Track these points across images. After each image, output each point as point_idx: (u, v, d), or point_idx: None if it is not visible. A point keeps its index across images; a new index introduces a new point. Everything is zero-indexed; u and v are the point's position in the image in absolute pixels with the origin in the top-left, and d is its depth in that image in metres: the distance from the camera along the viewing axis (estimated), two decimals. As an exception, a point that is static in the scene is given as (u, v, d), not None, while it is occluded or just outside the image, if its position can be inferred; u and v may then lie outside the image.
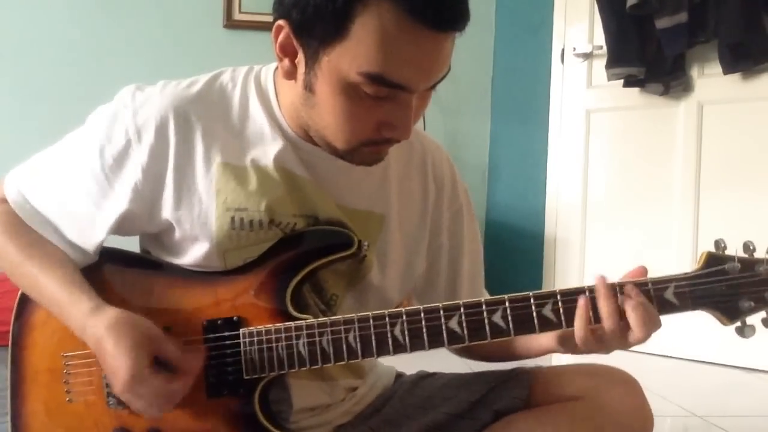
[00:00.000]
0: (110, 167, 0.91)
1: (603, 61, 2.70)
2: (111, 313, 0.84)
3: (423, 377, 1.13)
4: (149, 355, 0.82)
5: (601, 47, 2.77)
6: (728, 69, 2.44)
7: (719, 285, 0.86)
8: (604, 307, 0.85)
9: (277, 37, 0.85)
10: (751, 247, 0.86)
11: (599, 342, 0.87)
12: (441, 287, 1.08)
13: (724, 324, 0.87)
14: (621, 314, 0.85)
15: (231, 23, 3.10)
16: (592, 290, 0.86)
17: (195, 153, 0.91)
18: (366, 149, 0.88)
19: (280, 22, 0.84)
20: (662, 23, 2.48)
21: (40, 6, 3.01)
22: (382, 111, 0.83)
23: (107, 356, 0.82)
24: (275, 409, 0.93)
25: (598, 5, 2.67)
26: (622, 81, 2.66)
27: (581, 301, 0.86)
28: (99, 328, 0.83)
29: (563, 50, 2.95)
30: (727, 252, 0.87)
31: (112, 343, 0.81)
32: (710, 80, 2.59)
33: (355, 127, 0.85)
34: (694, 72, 2.62)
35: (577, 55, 2.90)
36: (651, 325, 0.84)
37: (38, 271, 0.90)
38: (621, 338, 0.86)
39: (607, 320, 0.85)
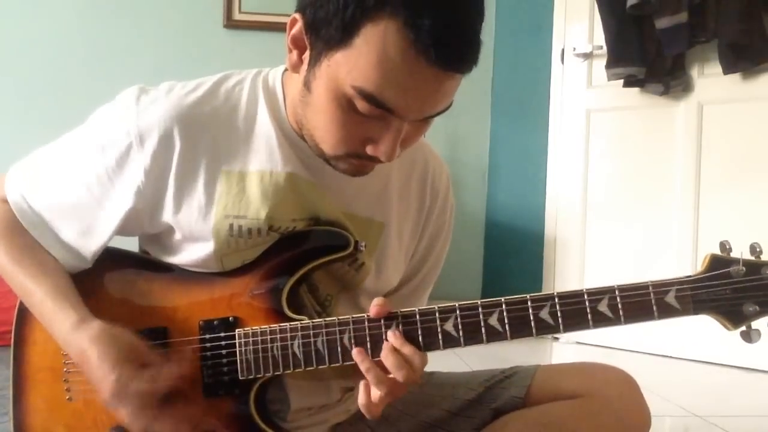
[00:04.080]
0: (113, 168, 0.91)
1: (603, 61, 2.70)
2: (95, 326, 0.85)
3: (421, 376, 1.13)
4: (133, 367, 0.82)
5: (601, 47, 2.77)
6: (728, 69, 2.44)
7: (723, 288, 0.82)
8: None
9: (291, 28, 0.85)
10: (758, 249, 0.82)
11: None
12: (401, 288, 1.08)
13: (728, 329, 0.83)
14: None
15: (231, 23, 3.10)
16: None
17: (199, 159, 0.91)
18: (351, 160, 0.87)
19: (296, 15, 0.84)
20: (662, 23, 2.47)
21: (41, 6, 3.01)
22: (369, 128, 0.82)
23: (92, 367, 0.83)
24: (273, 408, 0.93)
25: (598, 5, 2.67)
26: (622, 81, 2.66)
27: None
28: (83, 341, 0.84)
29: (563, 50, 2.95)
30: (733, 254, 0.83)
31: (97, 356, 0.82)
32: (710, 80, 2.58)
33: (342, 136, 0.84)
34: (694, 72, 2.62)
35: (577, 55, 2.89)
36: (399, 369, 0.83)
37: (27, 278, 0.90)
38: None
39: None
